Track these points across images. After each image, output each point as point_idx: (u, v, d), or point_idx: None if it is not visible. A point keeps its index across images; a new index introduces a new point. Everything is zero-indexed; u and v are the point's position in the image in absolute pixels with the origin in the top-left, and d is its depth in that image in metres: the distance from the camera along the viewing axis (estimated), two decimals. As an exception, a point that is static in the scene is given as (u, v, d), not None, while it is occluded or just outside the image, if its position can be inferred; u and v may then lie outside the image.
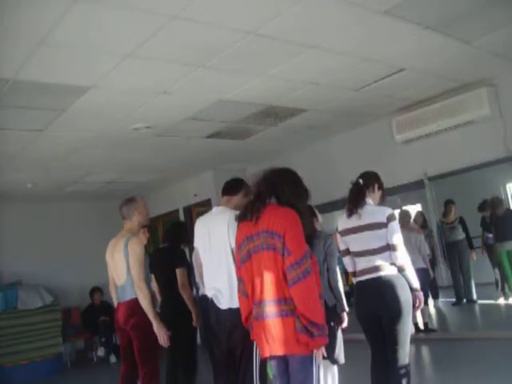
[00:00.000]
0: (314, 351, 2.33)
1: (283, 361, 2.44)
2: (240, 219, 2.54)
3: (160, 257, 4.23)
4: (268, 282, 2.36)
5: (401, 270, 3.05)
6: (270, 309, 2.34)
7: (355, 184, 3.23)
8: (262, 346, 2.42)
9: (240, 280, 2.54)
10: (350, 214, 3.17)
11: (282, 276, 2.33)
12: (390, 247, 3.05)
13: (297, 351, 2.33)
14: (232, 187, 3.32)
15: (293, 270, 2.28)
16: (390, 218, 3.06)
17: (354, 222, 3.17)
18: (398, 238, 3.05)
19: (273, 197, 2.48)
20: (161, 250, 4.27)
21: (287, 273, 2.30)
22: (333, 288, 3.44)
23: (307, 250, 2.37)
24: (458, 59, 4.63)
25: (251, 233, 2.44)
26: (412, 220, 6.66)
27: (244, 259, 2.48)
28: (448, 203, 7.05)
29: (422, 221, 6.88)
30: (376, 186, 3.28)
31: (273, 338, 2.34)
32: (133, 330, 3.58)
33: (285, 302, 2.33)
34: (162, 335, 3.50)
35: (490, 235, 6.88)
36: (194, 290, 4.48)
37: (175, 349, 4.16)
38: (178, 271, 4.12)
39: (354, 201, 3.16)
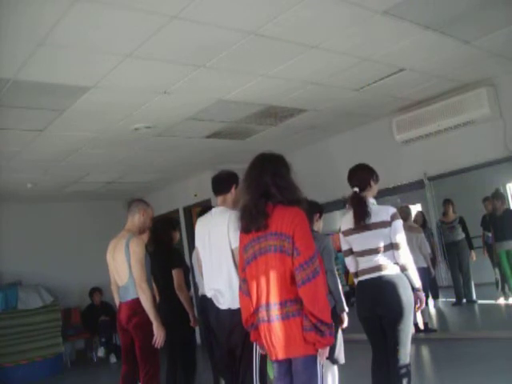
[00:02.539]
0: (320, 350, 2.32)
1: (286, 362, 2.43)
2: (245, 232, 2.49)
3: (157, 258, 4.22)
4: (275, 284, 2.34)
5: (403, 269, 3.06)
6: (277, 312, 2.33)
7: (353, 196, 3.20)
8: (269, 349, 2.41)
9: (244, 280, 2.52)
10: (359, 224, 3.14)
11: (289, 277, 2.32)
12: (393, 246, 3.06)
13: (302, 352, 2.32)
14: (222, 186, 3.26)
15: (302, 270, 2.27)
16: (394, 217, 3.07)
17: None
18: (401, 237, 3.05)
19: (270, 197, 2.43)
20: (157, 252, 4.25)
21: (296, 273, 2.29)
22: (331, 290, 3.42)
23: (316, 249, 2.37)
24: (458, 59, 4.63)
25: (258, 235, 2.42)
26: (412, 220, 6.66)
27: (249, 260, 2.46)
28: (445, 202, 7.07)
29: (422, 221, 6.89)
30: (371, 181, 3.26)
31: (279, 341, 2.33)
32: (135, 330, 3.59)
33: (291, 304, 2.32)
34: (159, 336, 3.52)
35: (491, 234, 6.89)
36: (192, 290, 4.47)
37: (174, 349, 4.17)
38: (174, 272, 4.10)
39: (359, 214, 3.12)
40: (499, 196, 6.68)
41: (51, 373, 7.19)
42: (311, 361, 2.35)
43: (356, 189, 3.20)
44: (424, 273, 5.72)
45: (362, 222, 3.11)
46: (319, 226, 3.75)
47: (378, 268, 3.08)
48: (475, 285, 7.19)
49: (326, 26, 3.55)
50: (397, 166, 6.06)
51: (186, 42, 3.48)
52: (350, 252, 3.28)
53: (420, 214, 7.08)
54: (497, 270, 7.02)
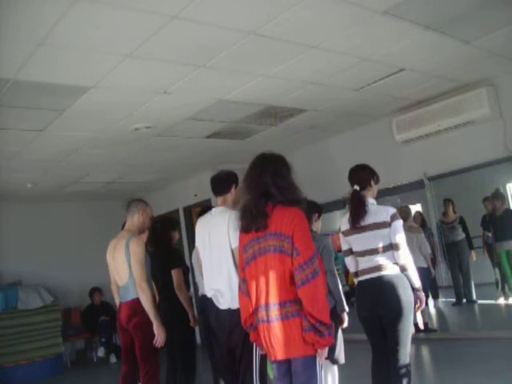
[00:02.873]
0: (319, 351, 2.32)
1: (285, 362, 2.42)
2: (245, 232, 2.49)
3: (156, 258, 4.22)
4: (274, 285, 2.34)
5: (403, 269, 3.06)
6: (276, 312, 2.33)
7: (354, 194, 3.20)
8: (268, 349, 2.41)
9: (243, 280, 2.52)
10: (355, 225, 3.14)
11: (289, 277, 2.32)
12: (392, 246, 3.06)
13: (302, 352, 2.32)
14: (221, 186, 3.26)
15: (301, 270, 2.27)
16: (394, 218, 3.07)
17: None
18: (401, 238, 3.05)
19: (270, 197, 2.43)
20: (157, 252, 4.25)
21: (295, 273, 2.29)
22: (331, 290, 3.42)
23: (315, 250, 2.37)
24: (458, 59, 4.64)
25: (258, 235, 2.42)
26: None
27: (249, 260, 2.46)
28: (445, 202, 7.07)
29: (421, 221, 6.88)
30: (371, 182, 3.26)
31: (279, 342, 2.33)
32: (135, 330, 3.59)
33: (290, 304, 2.32)
34: (159, 336, 3.52)
35: (491, 234, 6.89)
36: (192, 290, 4.47)
37: (174, 349, 4.17)
38: (173, 272, 4.10)
39: (357, 214, 3.12)
40: (499, 196, 6.69)
41: (51, 373, 7.19)
42: (311, 361, 2.34)
43: (356, 187, 3.20)
44: (424, 273, 5.71)
45: (358, 224, 3.11)
46: (318, 226, 3.75)
47: (378, 268, 3.08)
48: (475, 285, 7.19)
49: (326, 25, 3.55)
50: (397, 166, 6.06)
51: (186, 42, 3.48)
52: (350, 252, 3.28)
53: (418, 214, 7.07)
54: (497, 270, 7.01)
